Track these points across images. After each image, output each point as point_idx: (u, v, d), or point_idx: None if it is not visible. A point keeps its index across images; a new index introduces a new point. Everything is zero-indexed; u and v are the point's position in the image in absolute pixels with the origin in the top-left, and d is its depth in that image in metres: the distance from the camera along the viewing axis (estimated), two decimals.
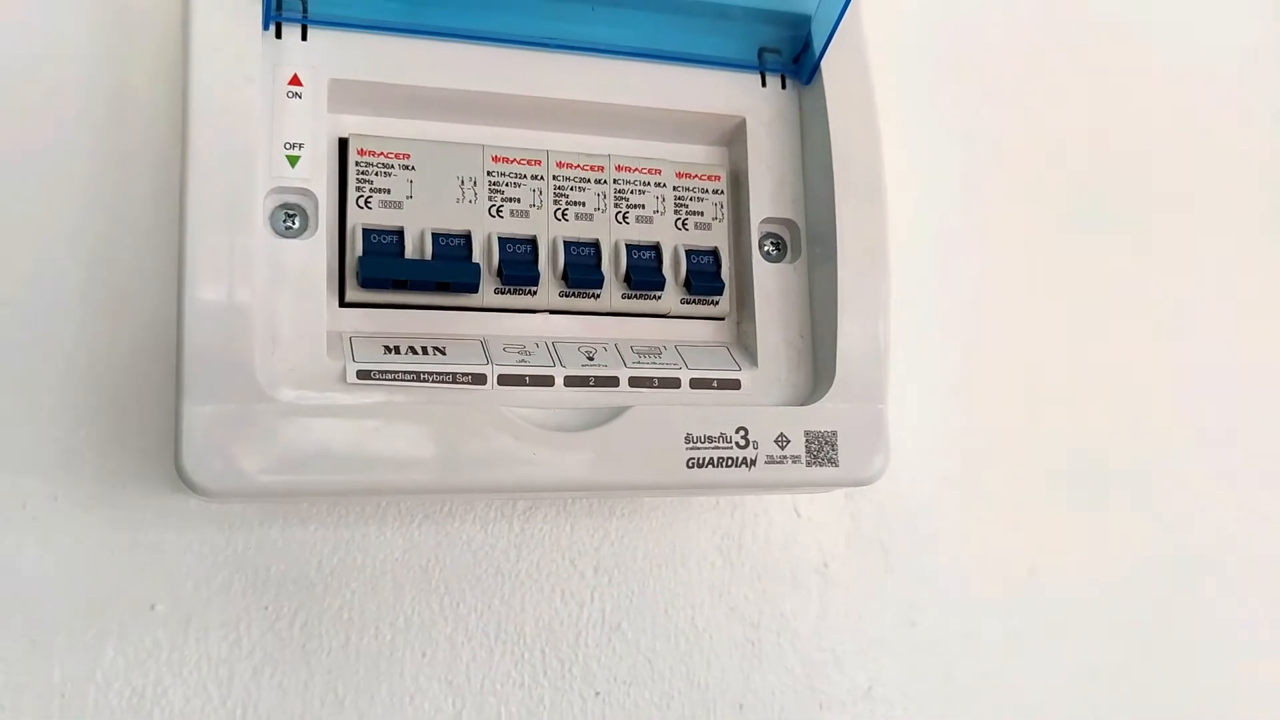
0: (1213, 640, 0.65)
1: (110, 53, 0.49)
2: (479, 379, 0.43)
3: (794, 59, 0.48)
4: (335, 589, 0.50)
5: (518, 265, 0.44)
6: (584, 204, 0.46)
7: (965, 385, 0.61)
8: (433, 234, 0.43)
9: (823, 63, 0.47)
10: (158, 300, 0.48)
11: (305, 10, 0.42)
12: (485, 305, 0.44)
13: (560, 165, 0.46)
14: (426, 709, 0.50)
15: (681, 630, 0.55)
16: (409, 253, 0.43)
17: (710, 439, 0.44)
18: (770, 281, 0.47)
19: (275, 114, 0.41)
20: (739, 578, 0.56)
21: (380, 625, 0.50)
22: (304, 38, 0.42)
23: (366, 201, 0.43)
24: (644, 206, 0.46)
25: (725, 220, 0.48)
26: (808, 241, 0.48)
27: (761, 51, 0.48)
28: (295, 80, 0.42)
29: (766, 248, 0.48)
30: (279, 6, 0.42)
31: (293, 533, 0.49)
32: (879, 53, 0.49)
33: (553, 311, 0.45)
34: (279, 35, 0.42)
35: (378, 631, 0.50)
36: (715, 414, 0.44)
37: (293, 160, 0.41)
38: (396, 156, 0.43)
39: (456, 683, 0.51)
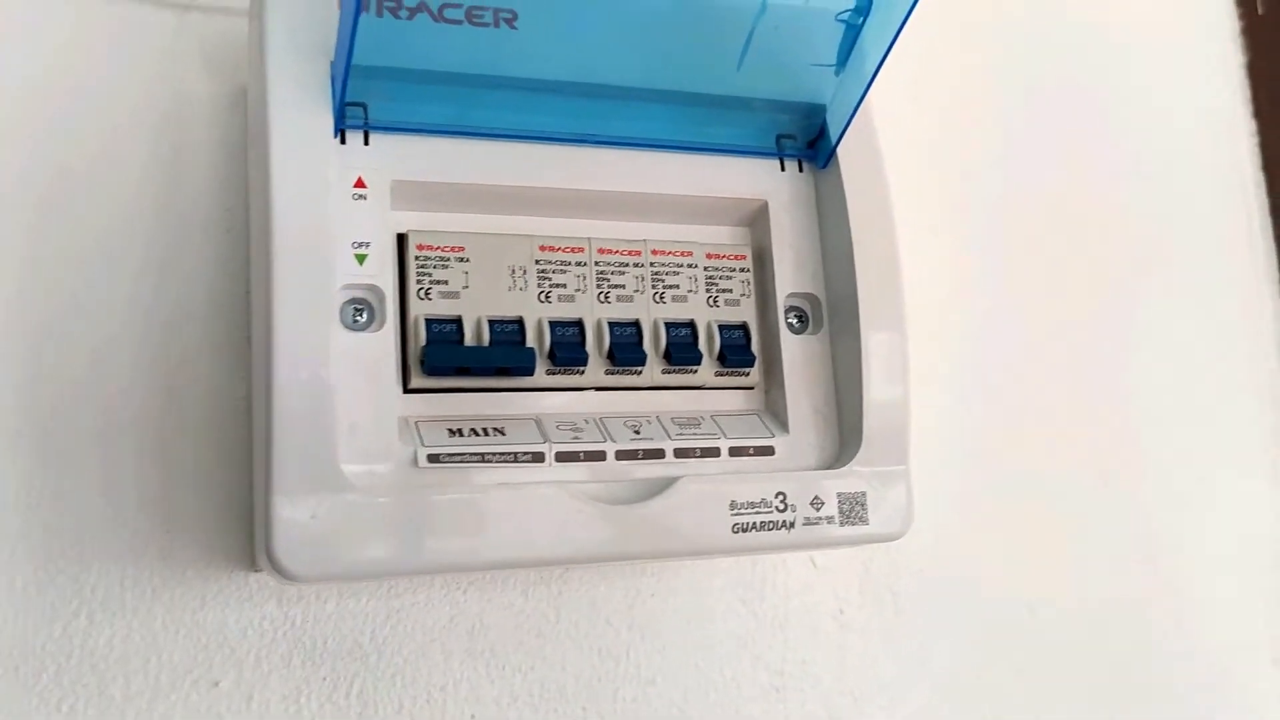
0: (1211, 674, 0.69)
1: (165, 142, 0.52)
2: (538, 457, 0.45)
3: (810, 144, 0.52)
4: (388, 657, 0.52)
5: (568, 347, 0.47)
6: (624, 286, 0.49)
7: (965, 442, 0.65)
8: (489, 321, 0.46)
9: (838, 148, 0.51)
10: (218, 382, 0.50)
11: (367, 118, 0.45)
12: (538, 385, 0.47)
13: (601, 251, 0.49)
14: None
15: (711, 680, 0.57)
16: (468, 339, 0.46)
17: (753, 504, 0.47)
18: (796, 352, 0.51)
19: (343, 215, 0.44)
20: (762, 628, 0.59)
21: (431, 690, 0.53)
22: (366, 142, 0.45)
23: (427, 293, 0.46)
24: (679, 286, 0.50)
25: (752, 296, 0.51)
26: (830, 314, 0.51)
27: (780, 138, 0.52)
28: (360, 183, 0.44)
29: (791, 320, 0.51)
30: (344, 116, 0.44)
31: (346, 605, 0.52)
32: (886, 132, 0.53)
33: (599, 388, 0.48)
34: (344, 141, 0.45)
35: (429, 696, 0.52)
36: (755, 481, 0.47)
37: (360, 258, 0.44)
38: (452, 250, 0.46)
39: None
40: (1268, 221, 0.76)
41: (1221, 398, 0.74)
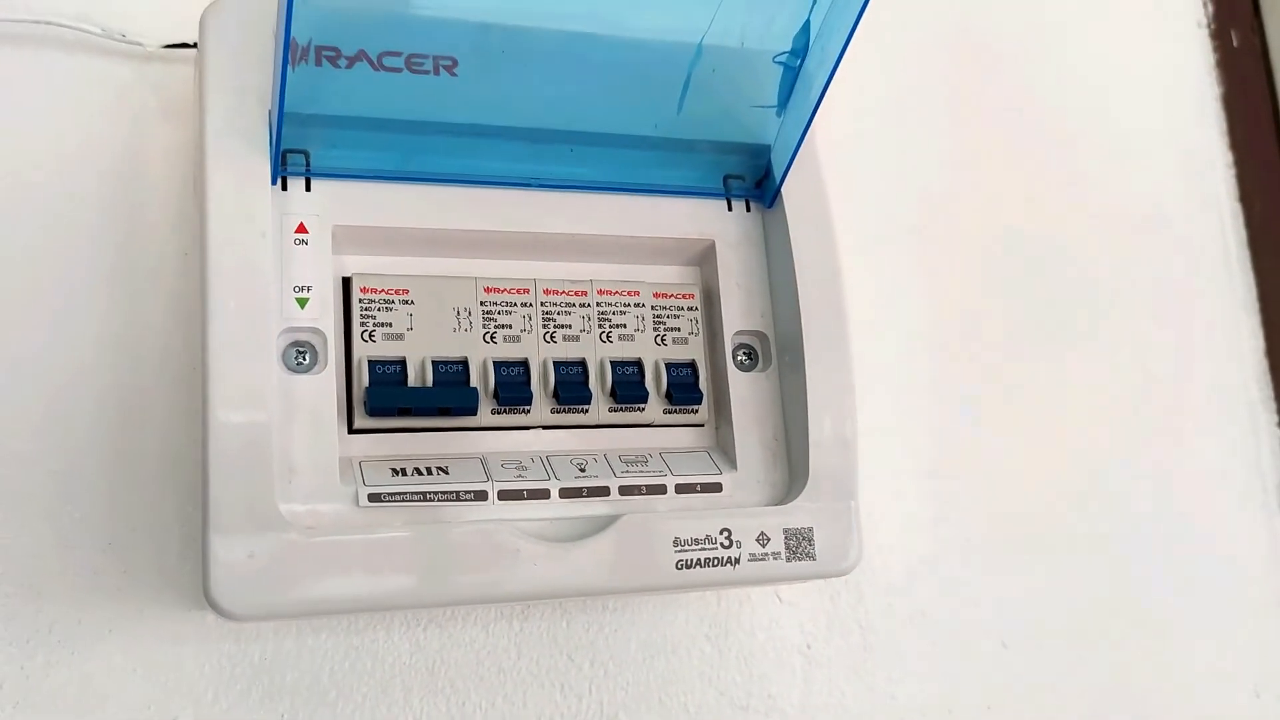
0: (1191, 706, 0.68)
1: (123, 195, 0.53)
2: (481, 495, 0.46)
3: (756, 184, 0.53)
4: (347, 694, 0.52)
5: (512, 387, 0.48)
6: (570, 326, 0.49)
7: (932, 471, 0.65)
8: (433, 362, 0.47)
9: (783, 187, 0.51)
10: (174, 428, 0.51)
11: (309, 164, 0.46)
12: (483, 425, 0.48)
13: (547, 292, 0.49)
14: None
15: (675, 715, 0.57)
16: (411, 380, 0.46)
17: (696, 541, 0.47)
18: (744, 389, 0.51)
19: (284, 260, 0.45)
20: (727, 662, 0.59)
21: None
22: (308, 189, 0.46)
23: (371, 335, 0.46)
24: (625, 325, 0.50)
25: (700, 334, 0.51)
26: (777, 350, 0.52)
27: (727, 179, 0.52)
28: (301, 229, 0.46)
29: (740, 358, 0.52)
30: (284, 162, 0.45)
31: (305, 642, 0.52)
32: (832, 172, 0.54)
33: (545, 427, 0.49)
34: (285, 188, 0.46)
35: None
36: (700, 518, 0.48)
37: (302, 302, 0.45)
38: (396, 292, 0.47)
39: None
40: (1245, 253, 0.75)
41: (1201, 428, 0.73)
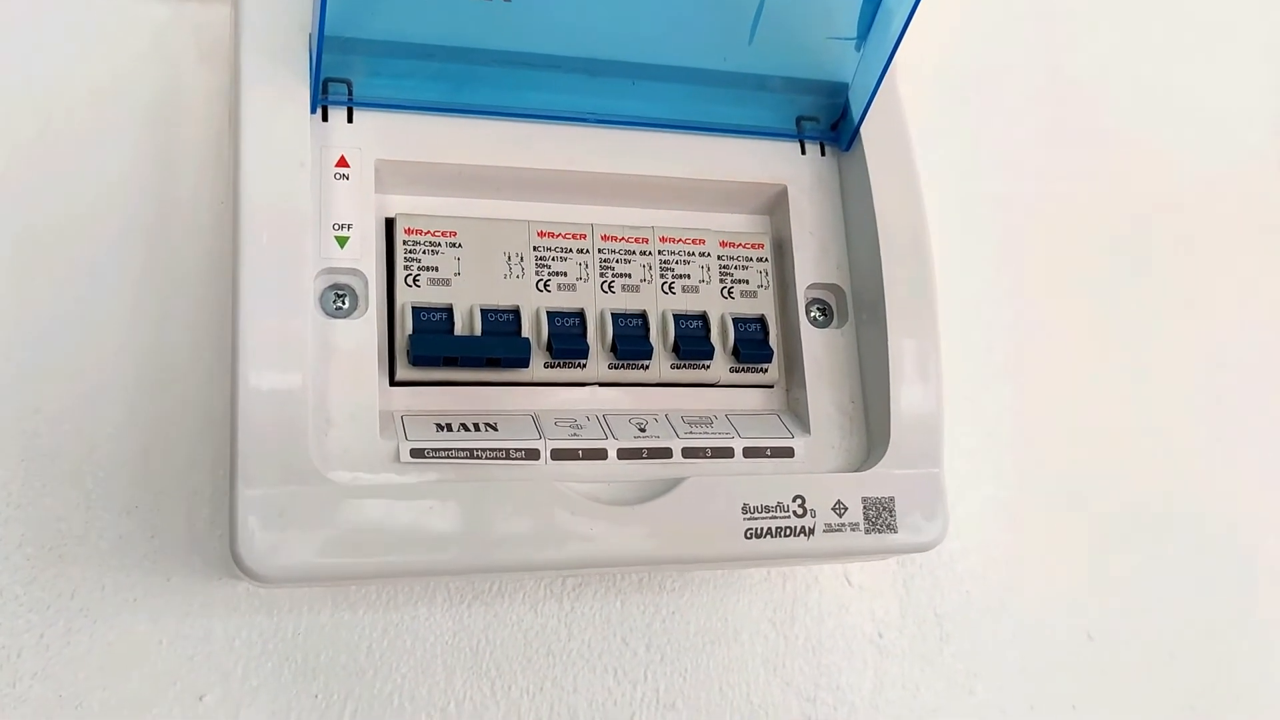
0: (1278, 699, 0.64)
1: (158, 143, 0.50)
2: (532, 454, 0.42)
3: (832, 126, 0.49)
4: (385, 674, 0.49)
5: (567, 339, 0.44)
6: (630, 275, 0.46)
7: (1014, 448, 0.61)
8: (481, 310, 0.43)
9: (861, 129, 0.47)
10: (205, 387, 0.48)
11: (351, 94, 0.43)
12: (535, 380, 0.44)
13: (605, 238, 0.46)
14: None
15: (737, 707, 0.53)
16: (459, 329, 0.43)
17: (767, 508, 0.43)
18: (819, 347, 0.47)
19: (323, 196, 0.41)
20: (793, 650, 0.55)
21: (431, 711, 0.49)
22: (350, 120, 0.43)
23: (415, 280, 0.43)
24: (689, 276, 0.46)
25: (771, 288, 0.47)
26: (854, 306, 0.48)
27: (800, 120, 0.49)
28: (342, 162, 0.42)
29: (813, 314, 0.48)
30: (325, 91, 0.42)
31: (341, 617, 0.49)
32: (915, 115, 0.50)
33: (602, 384, 0.45)
34: (325, 119, 0.42)
35: (429, 717, 0.49)
36: (771, 483, 0.44)
37: (341, 241, 0.41)
38: (443, 235, 0.44)
39: None
40: None
41: None
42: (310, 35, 0.41)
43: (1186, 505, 0.64)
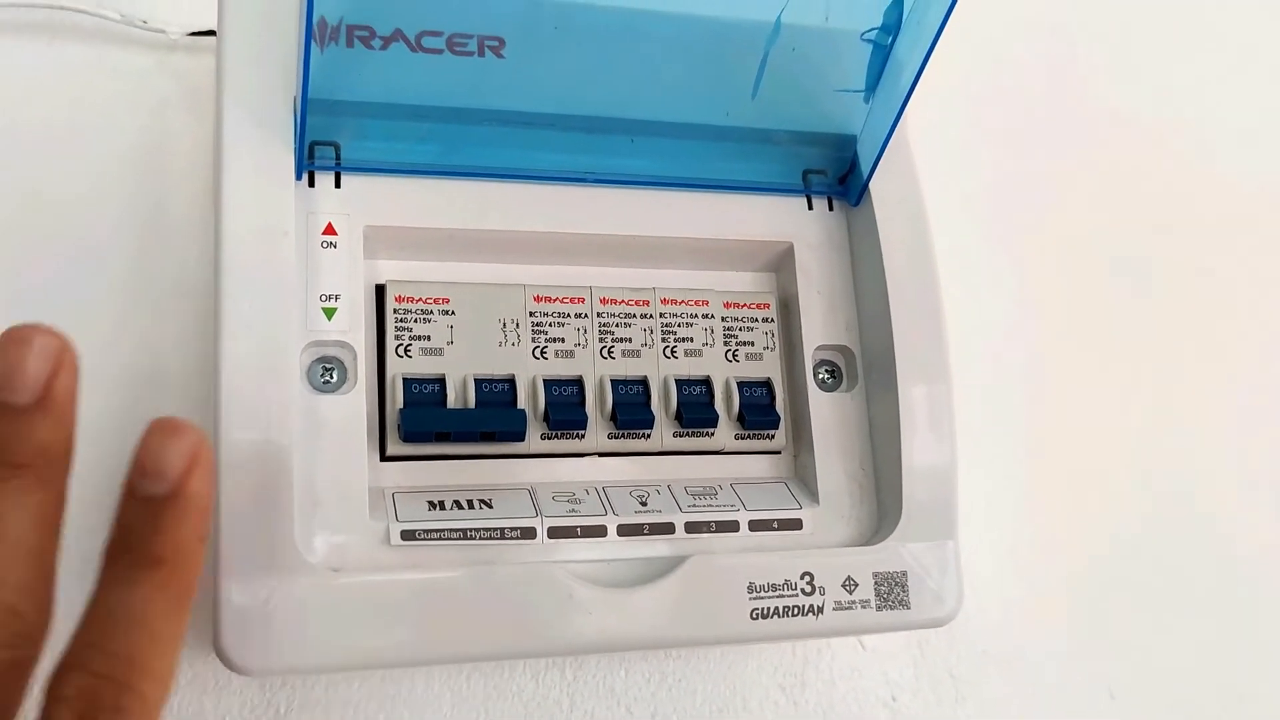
0: None
1: (143, 194, 0.49)
2: (528, 533, 0.40)
3: (840, 180, 0.47)
4: None
5: (564, 408, 0.42)
6: (630, 340, 0.44)
7: (1029, 504, 0.59)
8: (475, 380, 0.41)
9: (870, 182, 0.45)
10: None
11: (338, 158, 0.41)
12: (532, 451, 0.42)
13: (604, 301, 0.44)
14: None
15: None
16: (451, 401, 0.41)
17: (774, 587, 0.41)
18: (827, 411, 0.45)
19: (310, 265, 0.40)
20: (804, 717, 0.53)
21: None
22: (337, 185, 0.41)
23: (406, 350, 0.41)
24: (692, 339, 0.45)
25: (777, 349, 0.46)
26: (864, 368, 0.46)
27: (806, 174, 0.47)
28: (330, 229, 0.40)
29: (821, 376, 0.46)
30: (312, 155, 0.40)
31: (336, 692, 0.47)
32: (926, 167, 0.48)
33: (602, 454, 0.43)
34: (311, 184, 0.41)
35: None
36: (778, 559, 0.42)
37: (329, 313, 0.40)
38: (435, 301, 0.42)
39: None
40: None
41: None
42: (295, 98, 0.40)
43: (1212, 559, 0.62)
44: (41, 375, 0.30)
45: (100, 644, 0.29)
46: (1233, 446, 0.64)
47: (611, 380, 0.43)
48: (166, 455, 0.30)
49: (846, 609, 0.42)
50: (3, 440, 0.30)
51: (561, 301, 0.43)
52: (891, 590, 0.43)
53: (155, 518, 0.30)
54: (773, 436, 0.45)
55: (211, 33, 0.49)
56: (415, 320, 0.42)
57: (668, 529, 0.42)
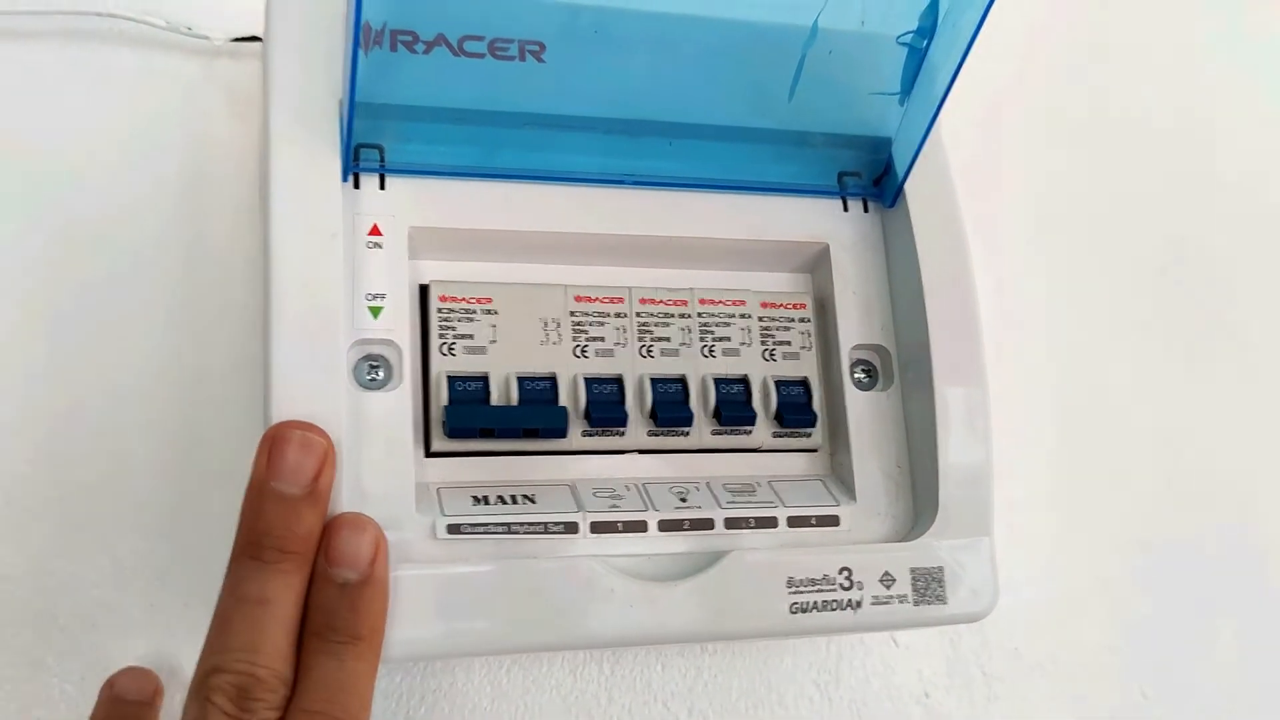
0: None
1: (188, 206, 0.50)
2: (571, 527, 0.41)
3: (875, 181, 0.47)
4: None
5: (605, 406, 0.43)
6: (669, 339, 0.45)
7: (1061, 502, 0.59)
8: (518, 378, 0.42)
9: (905, 184, 0.46)
10: (239, 454, 0.47)
11: (383, 160, 0.42)
12: (573, 448, 0.43)
13: (643, 301, 0.45)
14: None
15: None
16: (495, 398, 0.42)
17: (813, 581, 0.42)
18: (864, 410, 0.46)
19: (356, 265, 0.41)
20: (838, 713, 0.53)
21: None
22: (382, 187, 0.42)
23: (450, 348, 0.42)
24: (730, 339, 0.45)
25: (814, 349, 0.46)
26: (900, 367, 0.46)
27: (842, 176, 0.47)
28: (375, 230, 0.41)
29: (858, 375, 0.46)
30: (357, 157, 0.41)
31: (378, 684, 0.47)
32: (960, 169, 0.48)
33: (641, 451, 0.44)
34: (357, 185, 0.42)
35: None
36: (817, 555, 0.42)
37: (375, 311, 0.41)
38: (478, 301, 0.43)
39: None
40: None
41: None
42: (340, 101, 0.40)
43: (1249, 557, 0.62)
44: (311, 470, 0.36)
45: (326, 711, 0.35)
46: (1269, 447, 0.64)
47: (651, 379, 0.44)
48: (359, 548, 0.36)
49: (884, 604, 0.42)
50: (278, 527, 0.35)
51: (602, 301, 0.44)
52: (928, 586, 0.43)
53: (353, 600, 0.36)
54: (810, 435, 0.45)
55: (254, 38, 0.50)
56: (459, 319, 0.42)
57: (707, 525, 0.43)
